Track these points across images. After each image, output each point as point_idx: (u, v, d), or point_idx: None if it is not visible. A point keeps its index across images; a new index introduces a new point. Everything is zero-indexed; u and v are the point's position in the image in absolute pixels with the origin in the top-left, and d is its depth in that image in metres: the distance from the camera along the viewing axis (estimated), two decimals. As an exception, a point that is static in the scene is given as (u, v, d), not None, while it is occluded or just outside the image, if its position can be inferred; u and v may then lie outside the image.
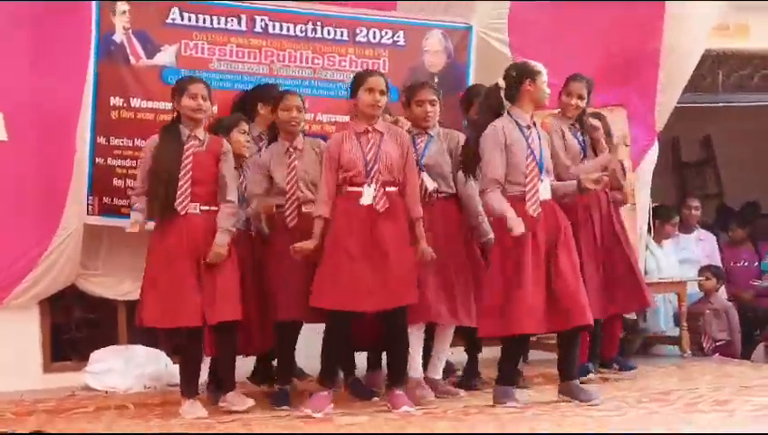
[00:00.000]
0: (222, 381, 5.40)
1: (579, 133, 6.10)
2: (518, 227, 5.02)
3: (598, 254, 5.99)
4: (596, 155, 6.08)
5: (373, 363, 5.96)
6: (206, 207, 5.23)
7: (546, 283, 5.10)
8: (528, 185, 5.17)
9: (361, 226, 5.11)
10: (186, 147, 5.24)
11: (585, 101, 6.08)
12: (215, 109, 5.57)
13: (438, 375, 5.67)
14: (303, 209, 5.47)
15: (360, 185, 5.16)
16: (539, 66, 5.33)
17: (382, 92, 5.22)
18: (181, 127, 5.29)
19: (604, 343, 6.26)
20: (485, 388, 5.66)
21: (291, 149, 5.58)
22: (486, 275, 5.30)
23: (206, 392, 5.62)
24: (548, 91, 5.31)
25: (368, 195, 5.13)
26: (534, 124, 5.31)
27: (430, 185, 5.53)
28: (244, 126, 5.71)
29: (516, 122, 5.24)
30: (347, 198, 5.18)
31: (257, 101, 6.05)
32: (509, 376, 5.24)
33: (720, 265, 8.16)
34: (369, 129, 5.24)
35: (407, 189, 5.23)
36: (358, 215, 5.13)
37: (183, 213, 5.17)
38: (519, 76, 5.28)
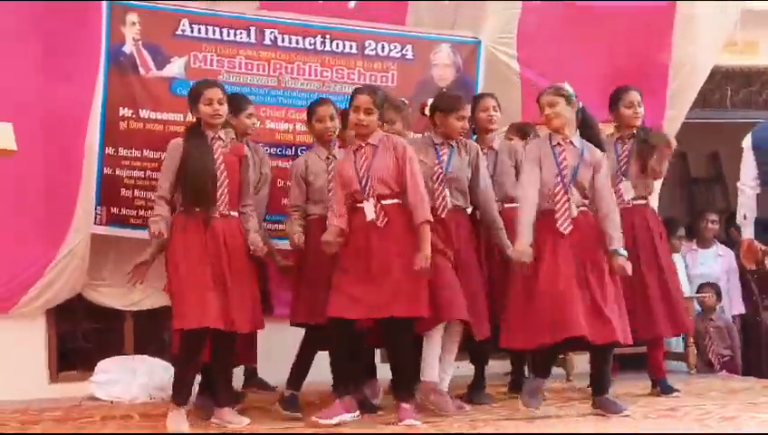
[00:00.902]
0: (217, 395, 5.35)
1: (620, 146, 6.08)
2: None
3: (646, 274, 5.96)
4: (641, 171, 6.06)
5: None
6: (231, 212, 5.27)
7: (583, 294, 5.15)
8: (557, 204, 5.26)
9: (364, 240, 5.13)
10: (214, 148, 5.25)
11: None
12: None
13: (444, 387, 5.63)
14: None
15: (361, 201, 5.19)
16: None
17: (367, 111, 5.21)
18: (204, 130, 5.30)
19: (648, 364, 6.22)
20: (491, 402, 5.66)
21: (330, 156, 5.64)
22: (511, 287, 5.36)
23: (195, 403, 5.58)
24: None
25: (369, 211, 5.16)
26: (572, 143, 5.37)
27: (448, 202, 5.57)
28: (251, 108, 5.89)
29: (549, 142, 5.39)
30: (355, 214, 5.23)
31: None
32: (542, 368, 5.36)
33: (738, 281, 8.14)
34: (363, 144, 5.27)
35: (408, 197, 5.21)
36: (362, 230, 5.17)
37: (217, 216, 5.17)
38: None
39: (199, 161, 5.18)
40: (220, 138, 5.30)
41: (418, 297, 5.11)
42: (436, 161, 5.56)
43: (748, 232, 6.49)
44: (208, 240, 5.14)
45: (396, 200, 5.21)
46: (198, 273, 5.08)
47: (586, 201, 5.36)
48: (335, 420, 5.06)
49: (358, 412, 5.19)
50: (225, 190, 5.22)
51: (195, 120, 5.38)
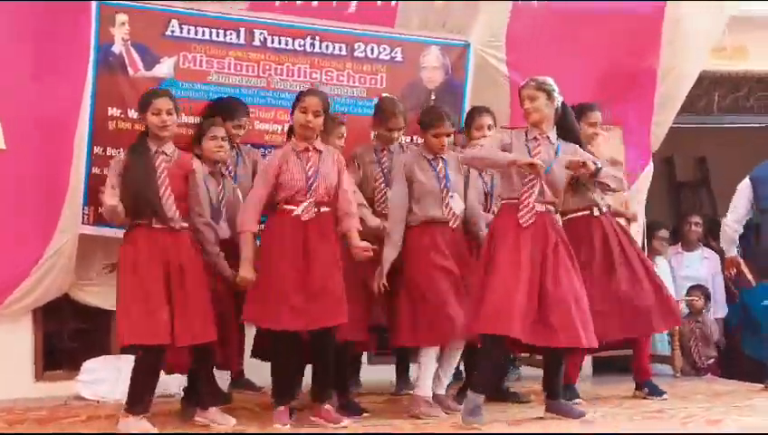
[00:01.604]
0: (200, 397, 5.34)
1: None
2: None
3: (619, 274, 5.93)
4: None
5: None
6: (178, 224, 5.15)
7: (538, 295, 5.05)
8: (524, 195, 5.15)
9: (292, 243, 5.12)
10: (156, 163, 5.16)
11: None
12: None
13: (442, 391, 5.65)
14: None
15: (298, 204, 5.17)
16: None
17: (316, 114, 5.23)
18: (149, 141, 5.21)
19: (633, 366, 6.22)
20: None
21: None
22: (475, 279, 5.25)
23: (181, 408, 5.60)
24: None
25: (306, 211, 5.16)
26: (549, 139, 5.29)
27: (458, 209, 5.56)
28: (214, 131, 5.75)
29: (525, 134, 5.31)
30: (280, 215, 5.20)
31: (216, 116, 6.04)
32: (480, 384, 5.16)
33: (723, 284, 8.17)
34: (309, 147, 5.27)
35: (339, 206, 5.27)
36: (290, 232, 5.15)
37: (162, 227, 5.08)
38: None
39: (140, 172, 5.09)
40: (164, 152, 5.20)
41: (344, 304, 5.15)
42: (434, 174, 5.56)
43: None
44: (155, 252, 5.05)
45: (327, 209, 5.24)
46: (145, 287, 5.00)
47: (555, 200, 5.28)
48: (288, 427, 5.08)
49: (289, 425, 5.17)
50: (170, 202, 5.10)
51: (144, 128, 5.30)
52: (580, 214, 5.92)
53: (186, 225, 5.20)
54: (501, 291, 4.98)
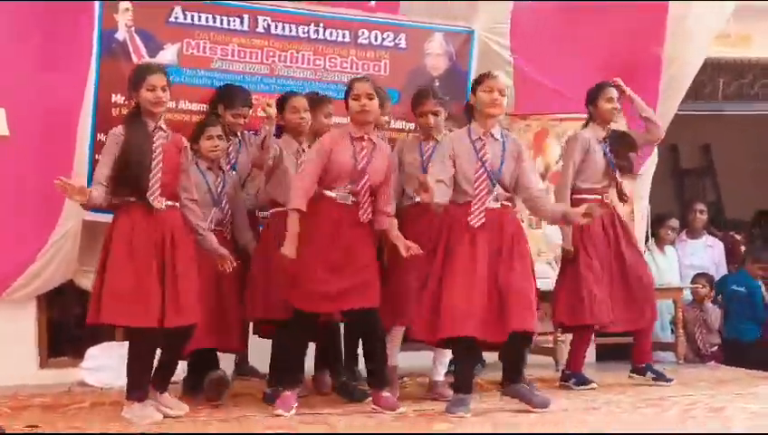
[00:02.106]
0: (161, 381, 5.23)
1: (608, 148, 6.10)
2: None
3: (623, 266, 6.01)
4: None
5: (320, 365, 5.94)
6: (171, 202, 5.09)
7: (492, 290, 5.02)
8: (477, 195, 5.11)
9: (328, 227, 5.10)
10: (154, 138, 5.07)
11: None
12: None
13: (439, 377, 5.68)
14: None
15: (338, 190, 5.14)
16: (481, 74, 5.32)
17: (369, 96, 5.17)
18: (144, 118, 5.10)
19: (635, 350, 6.23)
20: (483, 391, 5.69)
21: (300, 149, 5.61)
22: (420, 279, 5.22)
23: (181, 388, 5.63)
24: (487, 99, 5.15)
25: (337, 194, 5.13)
26: (493, 136, 5.19)
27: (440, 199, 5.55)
28: (210, 130, 5.73)
29: (470, 135, 5.20)
30: (323, 201, 5.15)
31: (218, 103, 6.06)
32: (462, 384, 5.14)
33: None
34: (364, 136, 5.22)
35: (378, 203, 5.23)
36: (331, 218, 5.12)
37: (153, 206, 4.98)
38: (472, 90, 5.33)
39: (136, 149, 4.99)
40: (161, 128, 5.12)
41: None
42: (419, 157, 5.56)
43: None
44: (143, 230, 4.97)
45: (368, 199, 5.21)
46: (136, 267, 4.91)
47: (511, 195, 5.24)
48: (292, 413, 5.05)
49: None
50: (159, 179, 5.01)
51: (133, 104, 5.17)
52: (591, 197, 5.93)
53: (176, 203, 5.13)
54: (457, 295, 4.96)
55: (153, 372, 5.24)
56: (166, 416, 5.04)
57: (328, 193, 5.14)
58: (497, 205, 5.12)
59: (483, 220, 5.07)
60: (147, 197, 4.97)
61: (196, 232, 5.22)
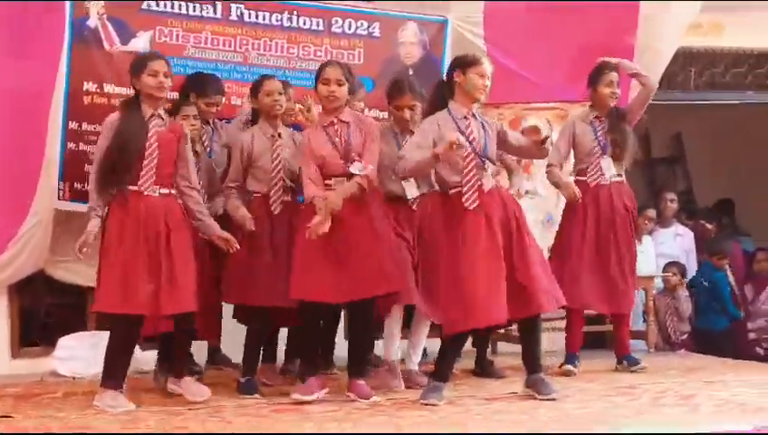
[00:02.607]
0: (175, 368, 5.31)
1: (599, 128, 6.12)
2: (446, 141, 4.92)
3: (610, 249, 6.07)
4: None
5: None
6: (166, 190, 5.07)
7: (508, 271, 5.03)
8: (466, 177, 5.08)
9: (336, 219, 5.04)
10: (150, 126, 5.05)
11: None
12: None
13: (414, 366, 5.69)
14: (285, 198, 5.50)
15: (333, 178, 5.12)
16: (473, 57, 5.24)
17: (339, 82, 5.13)
18: (142, 105, 5.09)
19: (616, 341, 6.31)
20: (457, 380, 5.69)
21: (276, 136, 5.58)
22: (441, 269, 5.14)
23: (154, 375, 5.62)
24: (480, 84, 5.12)
25: (335, 182, 5.10)
26: (474, 116, 5.18)
27: (411, 194, 5.55)
28: (185, 110, 5.70)
29: (452, 116, 5.17)
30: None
31: (189, 91, 5.99)
32: (443, 373, 5.15)
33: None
34: (334, 120, 5.21)
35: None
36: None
37: (146, 194, 4.98)
38: (451, 69, 5.26)
39: (129, 136, 4.97)
40: (159, 115, 5.10)
41: (390, 274, 5.12)
42: (396, 150, 5.50)
43: None
44: (134, 219, 4.97)
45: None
46: (126, 255, 4.93)
47: (496, 168, 5.29)
48: (314, 397, 5.07)
49: (327, 388, 5.20)
50: (153, 167, 5.01)
51: (133, 92, 5.17)
52: (582, 178, 6.04)
53: (172, 191, 5.13)
54: (473, 283, 4.94)
55: (162, 362, 5.41)
56: (191, 401, 5.07)
57: (326, 182, 5.14)
58: (491, 184, 5.12)
59: (477, 202, 5.04)
60: (139, 185, 4.96)
61: (196, 218, 5.20)
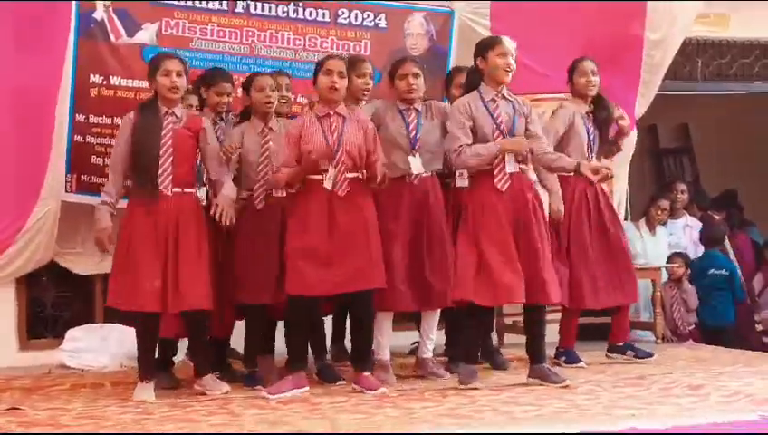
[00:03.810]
0: (195, 366, 5.33)
1: (590, 123, 6.11)
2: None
3: (608, 241, 6.06)
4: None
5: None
6: (180, 189, 5.10)
7: (517, 255, 5.11)
8: (496, 159, 5.17)
9: (321, 212, 5.07)
10: (164, 124, 5.10)
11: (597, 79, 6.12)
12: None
13: (428, 354, 5.69)
14: (273, 193, 5.47)
15: (323, 172, 5.09)
16: (490, 39, 5.38)
17: (341, 75, 5.16)
18: (159, 104, 5.15)
19: (613, 329, 6.29)
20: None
21: (265, 129, 5.56)
22: (456, 247, 5.26)
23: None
24: (502, 63, 5.22)
25: (329, 178, 5.08)
26: (504, 97, 5.27)
27: (417, 169, 5.50)
28: (188, 99, 5.67)
29: (481, 97, 5.26)
30: (308, 185, 5.13)
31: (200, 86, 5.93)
32: (472, 355, 5.29)
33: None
34: (331, 112, 5.20)
35: (370, 172, 5.18)
36: (318, 201, 5.09)
37: (163, 192, 5.04)
38: (475, 54, 5.35)
39: (145, 139, 5.05)
40: (173, 113, 5.14)
41: (381, 268, 5.15)
42: (403, 129, 5.50)
43: None
44: (149, 217, 5.02)
45: (357, 174, 5.17)
46: (141, 253, 4.99)
47: (526, 157, 5.29)
48: (288, 395, 5.03)
49: (307, 387, 5.16)
50: (170, 166, 5.06)
51: (152, 92, 5.22)
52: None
53: (188, 190, 5.15)
54: (496, 262, 5.05)
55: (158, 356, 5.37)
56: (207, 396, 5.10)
57: (314, 177, 5.11)
58: (515, 169, 5.19)
59: (509, 183, 5.15)
60: (156, 185, 5.03)
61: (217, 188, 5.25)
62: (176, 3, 6.42)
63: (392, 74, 5.64)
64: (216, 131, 5.75)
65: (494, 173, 5.17)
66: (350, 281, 5.05)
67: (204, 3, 6.48)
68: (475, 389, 5.07)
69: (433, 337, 5.72)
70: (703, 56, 8.58)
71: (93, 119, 6.26)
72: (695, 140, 10.97)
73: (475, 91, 5.30)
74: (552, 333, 6.10)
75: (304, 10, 6.68)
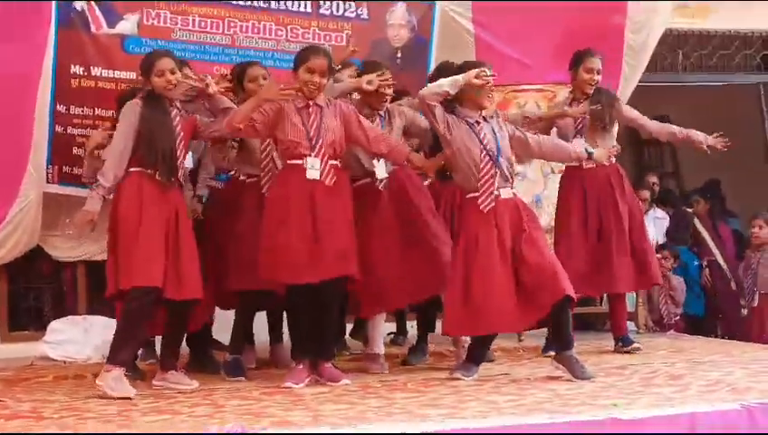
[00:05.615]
0: (163, 359, 5.29)
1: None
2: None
3: (617, 232, 6.12)
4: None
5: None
6: (181, 180, 5.22)
7: (515, 278, 5.11)
8: (481, 180, 5.16)
9: (304, 198, 5.06)
10: (173, 115, 5.14)
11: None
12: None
13: (379, 350, 5.71)
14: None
15: (301, 157, 5.09)
16: (471, 63, 5.42)
17: (322, 74, 5.16)
18: (162, 96, 5.16)
19: (613, 321, 6.35)
20: (446, 361, 5.73)
21: None
22: (451, 270, 5.26)
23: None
24: (479, 83, 5.19)
25: (313, 168, 5.08)
26: (485, 119, 5.28)
27: (381, 175, 5.52)
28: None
29: (466, 121, 5.25)
30: (289, 171, 5.14)
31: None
32: (477, 357, 5.34)
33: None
34: (310, 103, 5.20)
35: (381, 148, 5.25)
36: (301, 188, 5.08)
37: (179, 182, 5.13)
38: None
39: (159, 127, 5.06)
40: (176, 106, 5.18)
41: (356, 257, 5.16)
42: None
43: None
44: (154, 204, 5.03)
45: (336, 162, 5.18)
46: (152, 235, 4.99)
47: (513, 177, 5.32)
48: (305, 383, 5.06)
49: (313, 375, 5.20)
50: (180, 157, 5.14)
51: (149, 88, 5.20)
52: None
53: (180, 181, 5.22)
54: (490, 291, 5.06)
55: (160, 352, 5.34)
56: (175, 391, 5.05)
57: (295, 162, 5.11)
58: (509, 195, 5.21)
59: (492, 205, 5.15)
60: (175, 172, 5.08)
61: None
62: (157, -7, 6.39)
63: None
64: None
65: (479, 197, 5.16)
66: (330, 266, 5.05)
67: (185, -7, 6.45)
68: (459, 379, 5.10)
69: (384, 331, 5.84)
70: (683, 47, 8.61)
71: (75, 110, 6.24)
72: (676, 131, 10.99)
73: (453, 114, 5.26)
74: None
75: (286, 1, 6.66)
